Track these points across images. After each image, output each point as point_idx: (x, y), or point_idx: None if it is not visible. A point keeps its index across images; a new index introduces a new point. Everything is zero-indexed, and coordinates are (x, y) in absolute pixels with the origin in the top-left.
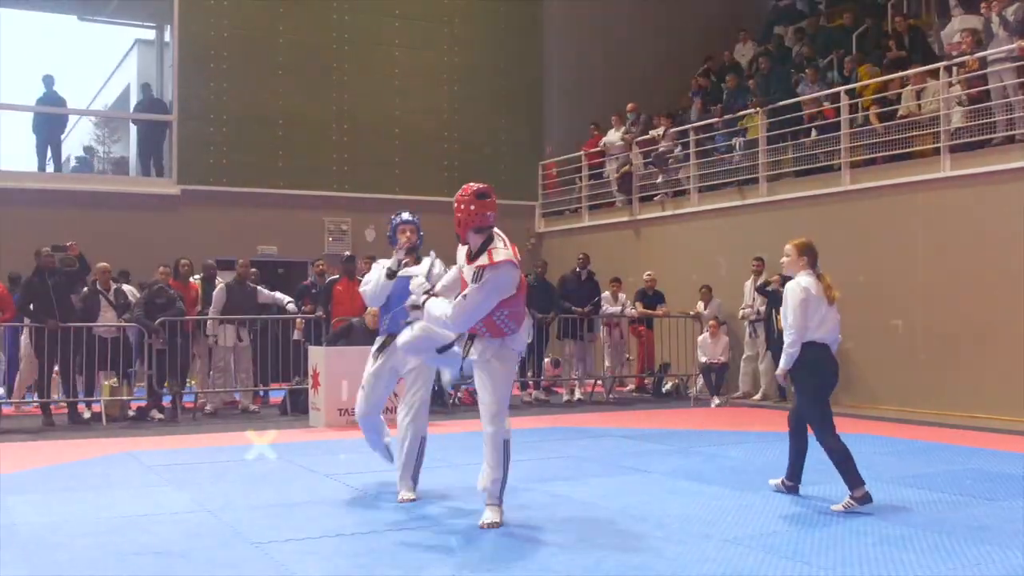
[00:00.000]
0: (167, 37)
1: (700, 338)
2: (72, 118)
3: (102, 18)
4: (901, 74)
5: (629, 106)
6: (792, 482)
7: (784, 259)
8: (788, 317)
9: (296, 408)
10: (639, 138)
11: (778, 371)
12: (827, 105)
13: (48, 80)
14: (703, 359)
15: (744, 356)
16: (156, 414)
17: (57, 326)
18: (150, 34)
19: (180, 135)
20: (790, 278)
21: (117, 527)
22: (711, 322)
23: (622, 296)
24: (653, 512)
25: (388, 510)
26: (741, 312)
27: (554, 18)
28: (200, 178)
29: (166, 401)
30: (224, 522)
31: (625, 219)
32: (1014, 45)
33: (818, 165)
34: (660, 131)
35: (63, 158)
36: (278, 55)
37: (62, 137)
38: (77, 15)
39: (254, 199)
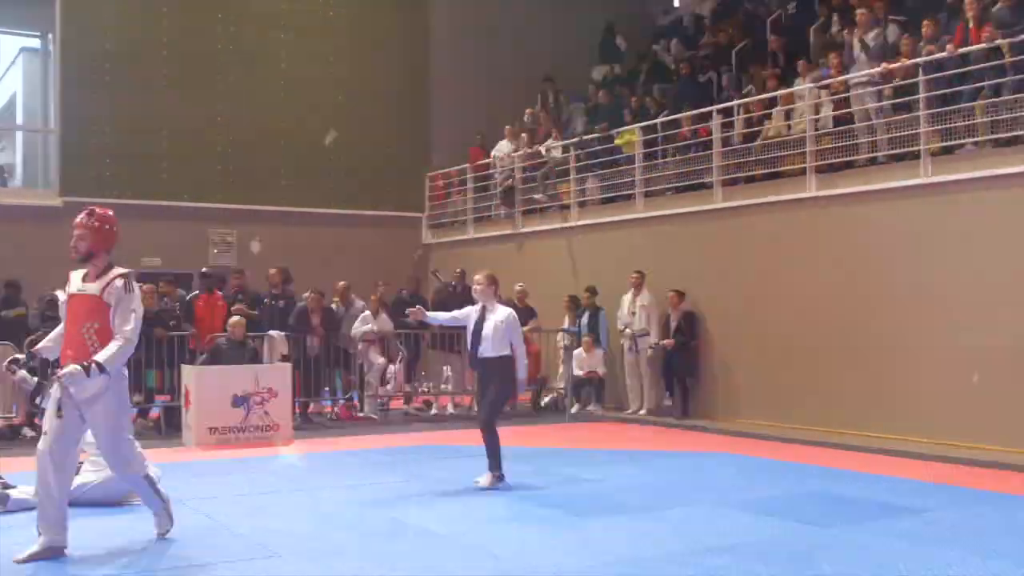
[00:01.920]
0: (51, 46)
1: (576, 352)
2: None
3: None
4: (770, 95)
5: (518, 125)
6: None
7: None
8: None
9: (170, 425)
10: (523, 151)
11: None
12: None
13: None
14: (578, 372)
15: (627, 371)
16: (27, 431)
17: None
18: (36, 43)
19: (63, 146)
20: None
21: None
22: (585, 337)
23: None
24: (488, 541)
25: (234, 541)
26: (620, 325)
27: (441, 28)
28: (83, 190)
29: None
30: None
31: (508, 232)
32: (875, 70)
33: (692, 182)
34: (544, 146)
35: None
36: (162, 66)
37: None
38: None
39: (138, 211)
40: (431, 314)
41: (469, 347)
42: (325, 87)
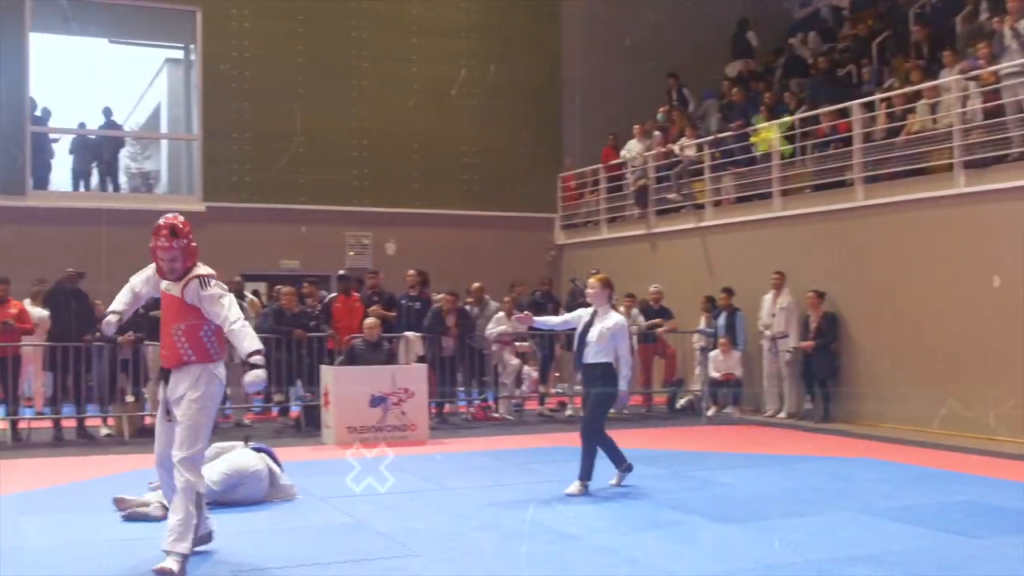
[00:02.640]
0: (193, 56)
1: (712, 353)
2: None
3: (131, 40)
4: (914, 88)
5: (648, 123)
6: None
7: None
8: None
9: (310, 423)
10: (655, 151)
11: None
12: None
13: (107, 111)
14: (714, 374)
15: (765, 373)
16: None
17: (91, 340)
18: (179, 54)
19: (205, 153)
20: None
21: (113, 551)
22: (722, 339)
23: (634, 312)
24: (624, 544)
25: (374, 539)
26: (761, 327)
27: (572, 29)
28: (224, 195)
29: None
30: (210, 546)
31: (641, 232)
32: None
33: (832, 180)
34: (679, 145)
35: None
36: (298, 73)
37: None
38: (108, 38)
39: (277, 215)
40: (540, 319)
41: (575, 351)
42: (457, 90)
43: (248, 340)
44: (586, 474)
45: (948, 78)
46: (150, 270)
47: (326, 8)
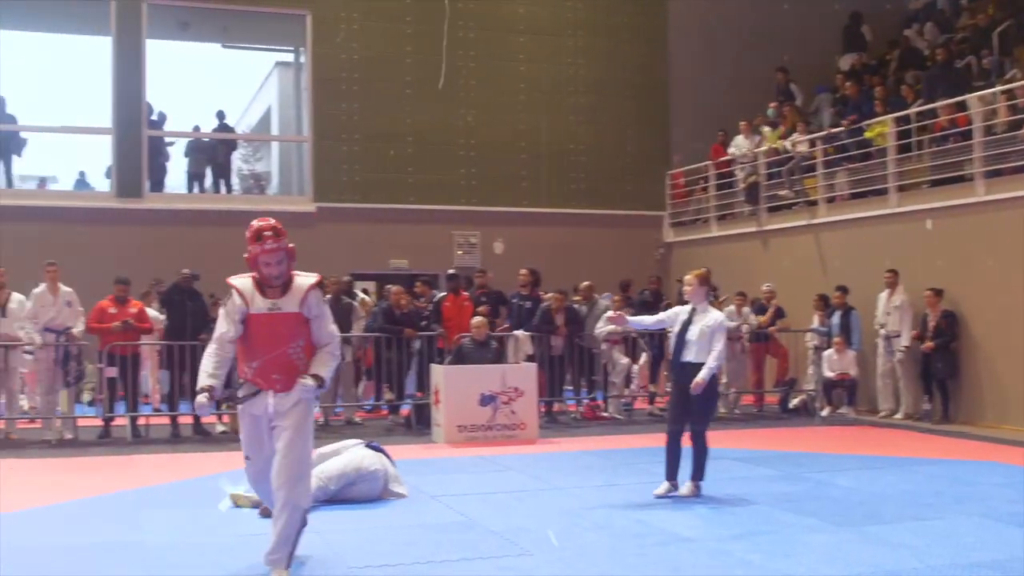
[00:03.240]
0: (303, 59)
1: (826, 353)
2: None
3: (243, 44)
4: None
5: (758, 119)
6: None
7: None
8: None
9: (420, 421)
10: (765, 147)
11: None
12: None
13: (220, 114)
14: (828, 374)
15: (880, 372)
16: None
17: (206, 340)
18: (289, 57)
19: (315, 154)
20: None
21: (232, 547)
22: (836, 338)
23: (745, 310)
24: (738, 547)
25: (486, 537)
26: (876, 325)
27: (680, 25)
28: (335, 195)
29: None
30: (328, 544)
31: (752, 229)
32: None
33: (951, 175)
34: (791, 140)
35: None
36: (405, 74)
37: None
38: (221, 43)
39: (385, 214)
40: (634, 319)
41: (672, 350)
42: (564, 88)
43: (332, 368)
44: (698, 475)
45: None
46: (232, 308)
47: (433, 9)
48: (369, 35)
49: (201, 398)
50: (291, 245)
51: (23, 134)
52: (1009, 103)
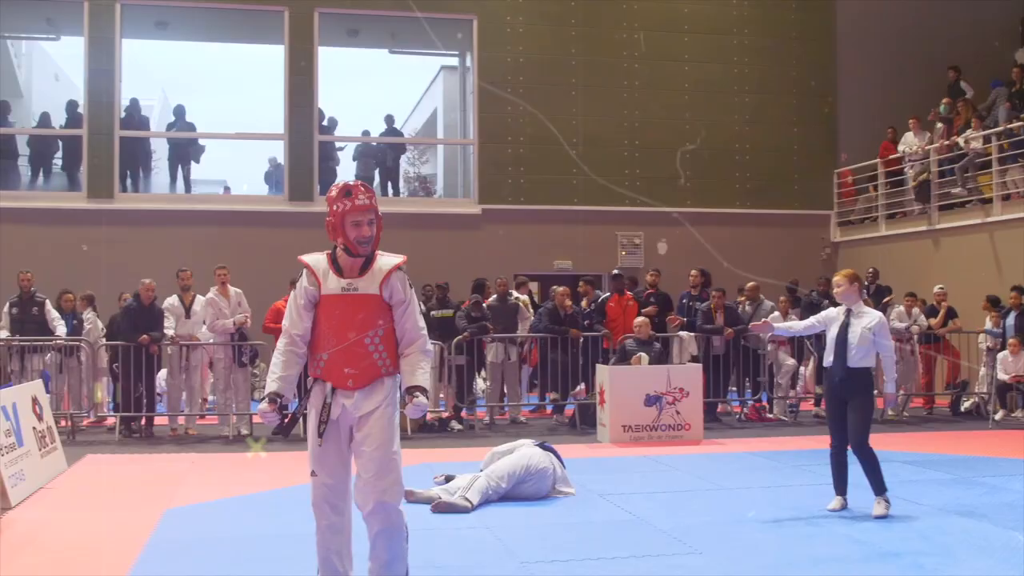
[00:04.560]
0: (468, 63)
1: (1000, 355)
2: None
3: (410, 49)
4: None
5: (931, 114)
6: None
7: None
8: None
9: (584, 422)
10: (938, 144)
11: None
12: None
13: (389, 118)
14: (1003, 376)
15: None
16: (455, 425)
17: None
18: (454, 61)
19: (480, 157)
20: None
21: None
22: (1012, 339)
23: (915, 311)
24: (907, 548)
25: (655, 535)
26: None
27: (848, 21)
28: (499, 197)
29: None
30: (500, 540)
31: (923, 228)
32: None
33: None
34: (964, 137)
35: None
36: (570, 76)
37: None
38: (389, 48)
39: (550, 216)
40: (782, 325)
41: (827, 355)
42: (731, 87)
43: (428, 374)
44: (880, 487)
45: None
46: (299, 292)
47: (599, 10)
48: (534, 38)
49: (263, 405)
50: (380, 213)
51: (201, 141)
52: None
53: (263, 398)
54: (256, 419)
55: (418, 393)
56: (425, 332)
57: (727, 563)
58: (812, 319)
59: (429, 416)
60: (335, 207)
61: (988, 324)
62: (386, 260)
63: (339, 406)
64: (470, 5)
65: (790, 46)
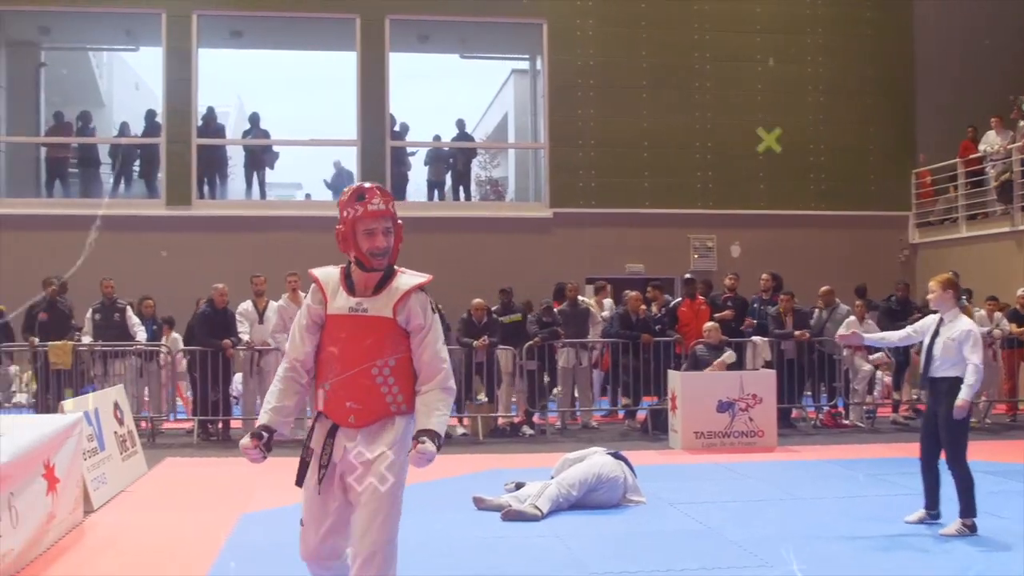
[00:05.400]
0: (539, 66)
1: None
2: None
3: (480, 54)
4: None
5: (1014, 113)
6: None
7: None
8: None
9: (656, 427)
10: (1019, 143)
11: None
12: None
13: (460, 123)
14: None
15: None
16: (527, 430)
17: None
18: (525, 64)
19: (551, 160)
20: None
21: (471, 547)
22: None
23: (997, 315)
24: (995, 560)
25: (725, 547)
26: None
27: (927, 18)
28: (570, 201)
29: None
30: (569, 549)
31: (1006, 230)
32: None
33: None
34: None
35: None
36: (641, 78)
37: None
38: (459, 53)
39: (621, 219)
40: (873, 336)
41: (922, 365)
42: (805, 86)
43: (446, 418)
44: (967, 510)
45: None
46: (304, 310)
47: (669, 12)
48: (604, 40)
49: (245, 440)
50: (400, 221)
51: (275, 147)
52: None
53: (251, 432)
54: None
55: (426, 438)
56: (448, 366)
57: None
58: (909, 329)
59: (501, 421)
60: (346, 213)
61: None
62: (407, 279)
63: (340, 447)
64: (540, 7)
65: (865, 45)
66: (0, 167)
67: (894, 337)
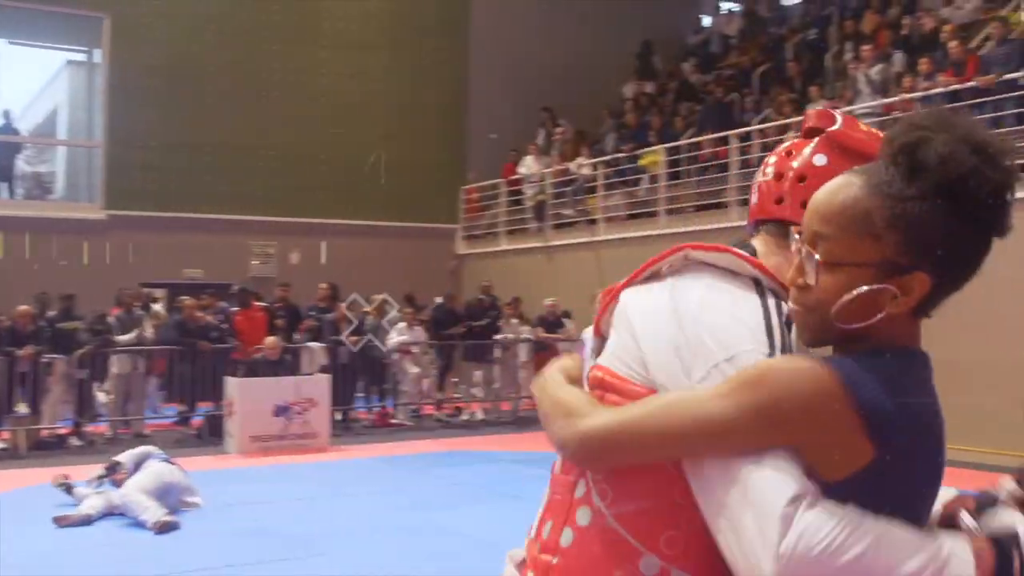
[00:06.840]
0: (96, 59)
1: None
2: None
3: (31, 42)
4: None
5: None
6: None
7: None
8: None
9: (213, 432)
10: (553, 168)
11: None
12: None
13: (7, 113)
14: None
15: None
16: (75, 440)
17: None
18: (81, 56)
19: (108, 160)
20: None
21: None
22: None
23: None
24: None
25: (282, 542)
26: None
27: (480, 46)
28: (127, 202)
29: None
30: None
31: (539, 244)
32: (877, 103)
33: (712, 202)
34: (577, 162)
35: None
36: (209, 82)
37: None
38: (7, 39)
39: (181, 223)
40: None
41: None
42: (367, 104)
43: None
44: None
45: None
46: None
47: (241, 20)
48: (171, 39)
49: None
50: None
51: None
52: (762, 140)
53: None
54: None
55: None
56: None
57: (349, 565)
58: None
59: (45, 432)
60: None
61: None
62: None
63: None
64: (101, 3)
65: (426, 69)
66: None
67: None
